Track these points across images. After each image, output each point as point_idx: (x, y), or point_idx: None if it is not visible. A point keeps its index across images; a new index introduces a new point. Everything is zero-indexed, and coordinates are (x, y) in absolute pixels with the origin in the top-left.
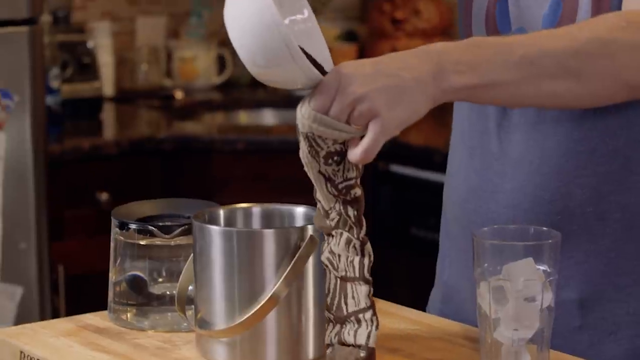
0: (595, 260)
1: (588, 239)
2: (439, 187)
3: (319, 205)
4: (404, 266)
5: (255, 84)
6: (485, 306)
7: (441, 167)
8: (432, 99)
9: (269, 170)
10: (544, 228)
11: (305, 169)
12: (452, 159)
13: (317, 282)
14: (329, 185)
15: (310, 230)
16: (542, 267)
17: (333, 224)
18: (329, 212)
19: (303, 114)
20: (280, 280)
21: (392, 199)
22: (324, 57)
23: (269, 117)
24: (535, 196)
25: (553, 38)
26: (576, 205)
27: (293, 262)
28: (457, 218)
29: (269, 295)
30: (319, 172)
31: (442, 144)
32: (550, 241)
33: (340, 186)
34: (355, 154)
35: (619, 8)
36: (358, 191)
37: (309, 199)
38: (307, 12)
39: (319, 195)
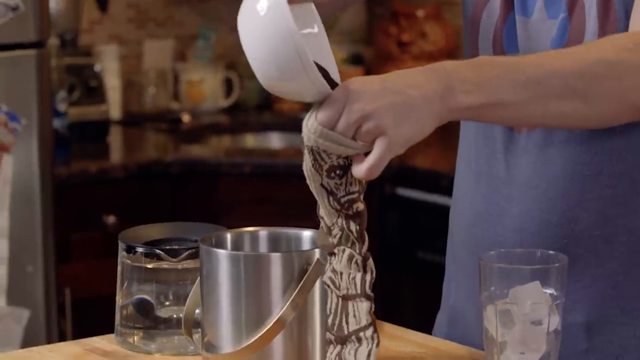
0: (602, 283)
1: (595, 262)
2: (445, 211)
3: (322, 222)
4: (411, 289)
5: (262, 107)
6: (492, 329)
7: (448, 191)
8: (439, 117)
9: (276, 194)
10: (551, 252)
11: (308, 182)
12: (458, 184)
13: (324, 306)
14: (331, 199)
15: (317, 254)
16: (549, 291)
17: (335, 240)
18: (332, 228)
19: (309, 128)
20: (287, 304)
21: (398, 222)
22: (333, 73)
23: (275, 140)
24: (542, 220)
25: (560, 58)
26: (583, 229)
27: (300, 285)
28: (464, 242)
29: (276, 319)
30: (321, 185)
31: (448, 168)
32: (557, 265)
33: (342, 200)
34: (360, 170)
35: (626, 31)
36: (360, 206)
37: (315, 222)
38: (317, 27)
39: (321, 211)
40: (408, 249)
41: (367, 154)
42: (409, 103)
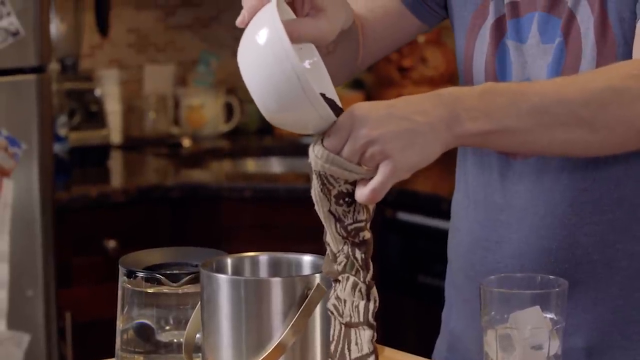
0: (602, 308)
1: (595, 287)
2: (446, 235)
3: (328, 249)
4: (411, 314)
5: (262, 131)
6: (493, 354)
7: (448, 215)
8: (444, 144)
9: (277, 218)
10: (551, 276)
11: (316, 207)
12: (455, 211)
13: (324, 331)
14: (338, 225)
15: (317, 279)
16: (549, 315)
17: (340, 268)
18: (337, 255)
19: (316, 154)
20: (288, 329)
21: (399, 247)
22: (336, 102)
23: (276, 165)
24: (541, 246)
25: (566, 86)
26: (582, 254)
27: (300, 310)
28: (462, 268)
29: (276, 344)
30: (329, 211)
31: (449, 192)
32: (557, 289)
33: (349, 227)
34: (362, 193)
35: (624, 55)
36: (367, 234)
37: (316, 247)
38: (316, 57)
39: (328, 237)
40: (409, 273)
41: (372, 178)
42: (414, 129)
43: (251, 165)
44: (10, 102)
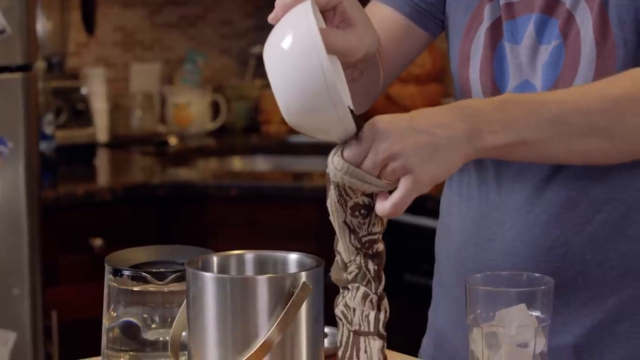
0: (592, 307)
1: (586, 285)
2: (432, 233)
3: (337, 257)
4: (398, 312)
5: (249, 129)
6: (479, 352)
7: (434, 213)
8: (465, 157)
9: (263, 216)
10: (537, 274)
11: (331, 217)
12: (446, 209)
13: (310, 329)
14: (352, 237)
15: (303, 277)
16: (535, 313)
17: (350, 277)
18: (348, 265)
19: (336, 165)
20: (274, 327)
21: (385, 245)
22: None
23: (262, 163)
24: (534, 244)
25: (585, 96)
26: (575, 253)
27: (286, 308)
28: (452, 266)
29: (262, 342)
30: (344, 222)
31: (435, 190)
32: (543, 287)
33: (363, 239)
34: (384, 207)
35: (624, 57)
36: (381, 246)
37: (301, 245)
38: (338, 64)
39: (340, 246)
40: (395, 272)
41: (391, 191)
42: (435, 143)
43: (237, 163)
44: None
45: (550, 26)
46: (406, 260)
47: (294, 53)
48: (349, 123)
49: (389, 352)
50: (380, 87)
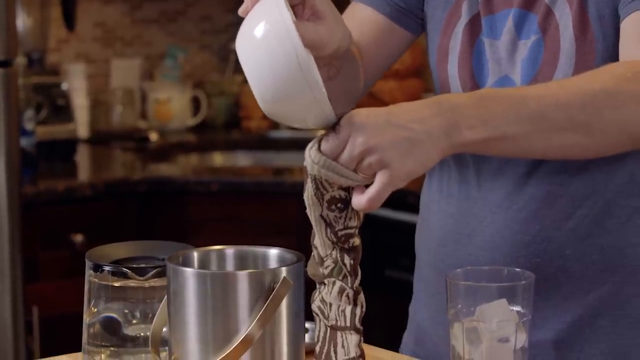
0: (572, 302)
1: (566, 281)
2: (412, 228)
3: (314, 252)
4: (378, 307)
5: (229, 125)
6: (459, 347)
7: (414, 209)
8: (442, 152)
9: (243, 212)
10: (517, 269)
11: (307, 211)
12: (426, 205)
13: (291, 324)
14: (328, 230)
15: (284, 272)
16: (515, 308)
17: (327, 272)
18: (325, 259)
19: (313, 158)
20: (254, 322)
21: (366, 240)
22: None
23: (243, 158)
24: (514, 240)
25: (564, 90)
26: (555, 248)
27: (267, 304)
28: (432, 262)
29: (243, 337)
30: (321, 215)
31: (415, 185)
32: (523, 282)
33: (339, 233)
34: (360, 201)
35: (603, 51)
36: (357, 240)
37: (282, 240)
38: (313, 60)
39: (316, 241)
40: (376, 267)
41: (367, 185)
42: (412, 138)
43: (218, 159)
44: None
45: (529, 21)
46: (387, 255)
47: (267, 39)
48: (326, 105)
49: (369, 348)
50: (362, 87)
